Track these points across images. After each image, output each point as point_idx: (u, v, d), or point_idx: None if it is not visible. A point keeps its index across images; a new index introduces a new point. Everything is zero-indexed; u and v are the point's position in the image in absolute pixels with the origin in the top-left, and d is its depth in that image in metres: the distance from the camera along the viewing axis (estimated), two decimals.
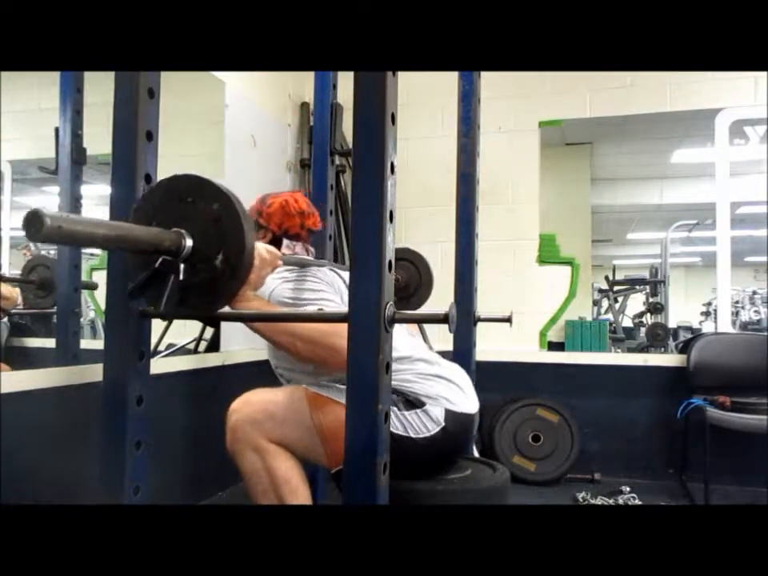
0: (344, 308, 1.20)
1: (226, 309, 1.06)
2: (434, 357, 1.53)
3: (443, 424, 1.37)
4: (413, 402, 1.39)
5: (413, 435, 1.36)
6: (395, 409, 1.36)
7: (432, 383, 1.43)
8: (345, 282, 1.51)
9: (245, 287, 1.25)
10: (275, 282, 1.47)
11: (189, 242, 0.96)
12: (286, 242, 1.62)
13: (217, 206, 0.95)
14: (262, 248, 1.38)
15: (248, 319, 1.35)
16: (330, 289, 1.48)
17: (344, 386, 1.34)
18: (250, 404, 1.41)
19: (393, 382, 1.07)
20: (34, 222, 0.72)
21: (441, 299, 1.54)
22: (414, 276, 2.01)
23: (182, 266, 0.96)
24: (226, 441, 1.41)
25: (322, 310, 1.38)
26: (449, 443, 1.41)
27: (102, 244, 0.94)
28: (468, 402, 1.48)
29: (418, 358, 1.47)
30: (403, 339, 1.49)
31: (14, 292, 1.58)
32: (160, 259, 0.95)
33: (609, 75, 3.04)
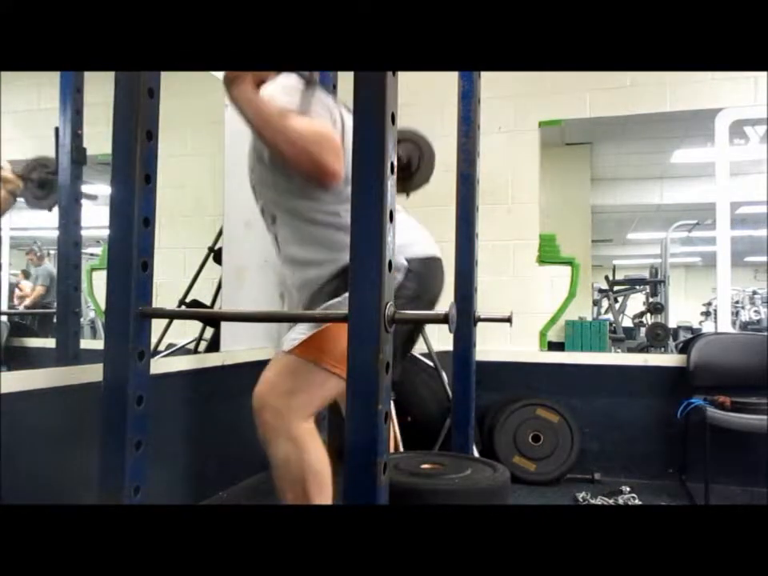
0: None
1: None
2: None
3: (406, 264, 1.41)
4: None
5: None
6: None
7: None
8: (342, 115, 1.47)
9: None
10: (281, 85, 1.42)
11: None
12: None
13: None
14: None
15: (248, 319, 1.35)
16: (328, 115, 1.45)
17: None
18: (265, 393, 1.42)
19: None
20: None
21: (441, 299, 1.54)
22: (415, 153, 2.00)
23: None
24: (258, 432, 1.42)
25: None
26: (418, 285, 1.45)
27: None
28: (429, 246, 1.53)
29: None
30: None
31: (16, 178, 1.58)
32: None
33: (609, 75, 3.04)
